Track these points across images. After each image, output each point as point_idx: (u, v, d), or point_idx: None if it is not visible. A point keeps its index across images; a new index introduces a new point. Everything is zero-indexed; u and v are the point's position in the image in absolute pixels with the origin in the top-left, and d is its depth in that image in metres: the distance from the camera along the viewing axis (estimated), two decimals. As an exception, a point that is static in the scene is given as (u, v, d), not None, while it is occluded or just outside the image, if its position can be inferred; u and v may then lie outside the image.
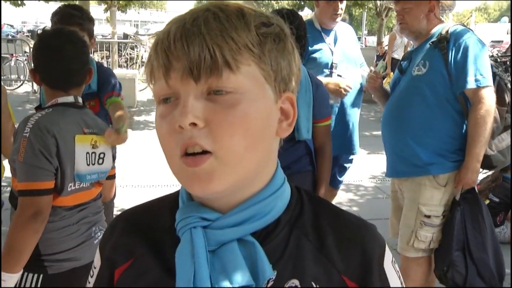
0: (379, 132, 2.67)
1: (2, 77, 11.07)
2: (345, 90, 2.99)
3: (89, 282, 0.79)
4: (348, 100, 3.10)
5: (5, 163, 2.08)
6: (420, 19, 2.44)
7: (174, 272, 0.65)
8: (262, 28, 0.66)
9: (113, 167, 1.95)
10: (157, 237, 0.73)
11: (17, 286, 1.61)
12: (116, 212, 2.82)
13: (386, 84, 3.10)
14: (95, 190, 1.84)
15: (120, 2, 14.65)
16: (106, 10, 14.36)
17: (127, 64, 13.05)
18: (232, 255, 0.65)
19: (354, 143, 3.21)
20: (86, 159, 1.73)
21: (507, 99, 2.47)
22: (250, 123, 0.63)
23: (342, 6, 3.08)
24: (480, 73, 2.26)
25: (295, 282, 0.66)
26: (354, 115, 3.17)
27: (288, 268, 0.67)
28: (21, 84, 11.31)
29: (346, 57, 3.12)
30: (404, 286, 0.74)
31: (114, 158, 1.93)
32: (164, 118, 0.65)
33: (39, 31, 1.92)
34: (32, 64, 1.78)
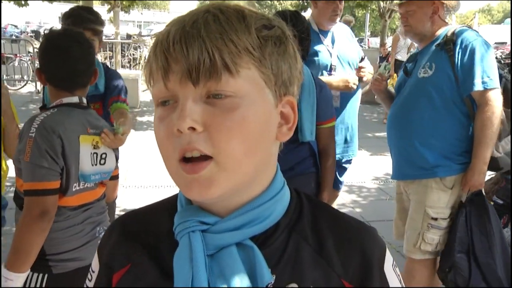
0: (382, 134, 2.66)
1: (5, 77, 11.11)
2: (354, 84, 2.96)
3: (86, 286, 0.78)
4: (346, 102, 3.08)
5: (9, 163, 2.08)
6: (424, 22, 2.43)
7: (172, 276, 0.65)
8: (263, 30, 0.64)
9: (117, 168, 1.95)
10: (156, 241, 0.72)
11: (22, 285, 1.61)
12: (118, 212, 2.82)
13: (390, 85, 3.09)
14: (100, 190, 1.84)
15: (124, 2, 14.64)
16: (109, 11, 14.37)
17: (130, 65, 13.08)
18: (231, 259, 0.64)
19: (353, 145, 3.19)
20: (91, 159, 1.74)
21: (514, 100, 2.45)
22: (249, 127, 0.62)
23: (341, 6, 3.04)
24: (487, 75, 2.25)
25: (294, 286, 0.66)
26: (353, 117, 3.15)
27: (286, 272, 0.66)
28: (25, 84, 11.37)
29: (344, 58, 3.09)
30: None
31: (117, 158, 1.93)
32: (162, 121, 0.64)
33: (45, 31, 1.92)
34: (38, 64, 1.78)
